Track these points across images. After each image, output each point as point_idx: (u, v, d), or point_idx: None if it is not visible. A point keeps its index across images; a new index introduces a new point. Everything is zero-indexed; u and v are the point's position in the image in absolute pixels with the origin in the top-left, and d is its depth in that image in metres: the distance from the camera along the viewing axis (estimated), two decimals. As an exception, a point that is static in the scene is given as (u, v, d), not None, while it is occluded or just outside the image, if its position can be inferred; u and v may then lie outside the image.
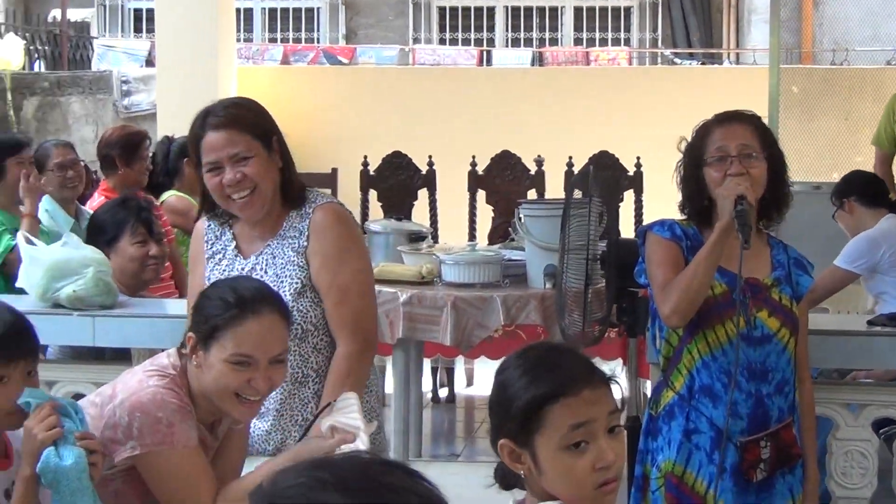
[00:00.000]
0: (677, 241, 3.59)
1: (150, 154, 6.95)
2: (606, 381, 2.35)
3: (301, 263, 3.44)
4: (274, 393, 3.28)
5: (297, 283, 3.42)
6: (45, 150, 6.12)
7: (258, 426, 3.43)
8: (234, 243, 3.53)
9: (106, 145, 6.38)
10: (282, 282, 3.40)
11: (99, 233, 4.93)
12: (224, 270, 3.49)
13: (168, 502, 2.95)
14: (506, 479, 2.42)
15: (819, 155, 8.27)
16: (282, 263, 3.44)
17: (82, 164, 6.24)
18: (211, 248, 3.56)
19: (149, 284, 5.07)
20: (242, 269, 3.47)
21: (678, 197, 3.71)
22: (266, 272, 3.43)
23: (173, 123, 8.76)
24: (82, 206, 6.02)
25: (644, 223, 4.32)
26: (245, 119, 3.43)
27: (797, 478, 3.61)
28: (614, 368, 6.23)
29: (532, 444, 2.29)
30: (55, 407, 2.77)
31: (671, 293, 3.46)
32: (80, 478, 2.73)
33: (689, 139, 3.67)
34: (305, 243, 3.45)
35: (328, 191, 3.56)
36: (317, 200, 3.52)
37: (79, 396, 4.26)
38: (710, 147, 3.56)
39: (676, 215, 3.72)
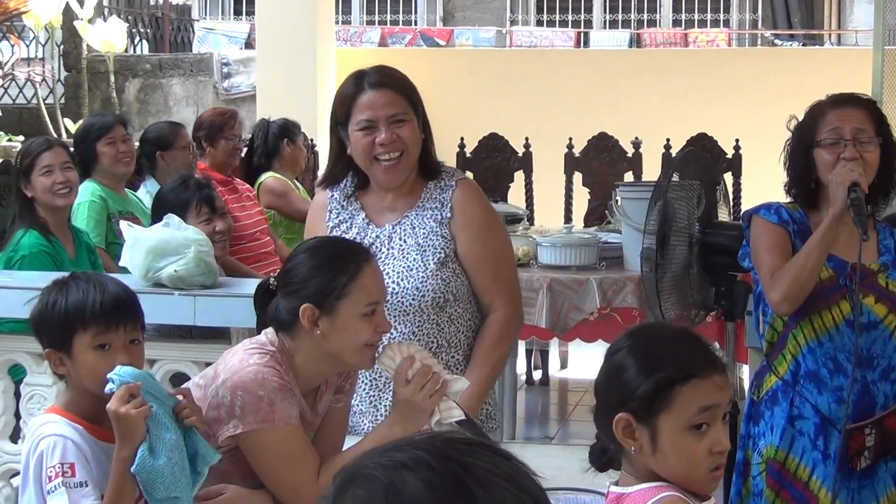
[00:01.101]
0: (784, 225, 3.55)
1: (249, 135, 7.05)
2: (725, 368, 2.43)
3: (445, 234, 3.45)
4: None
5: (440, 252, 3.43)
6: (176, 128, 6.29)
7: (383, 398, 3.42)
8: (363, 213, 3.53)
9: (196, 128, 6.51)
10: (424, 251, 3.42)
11: (163, 214, 4.99)
12: (354, 239, 3.46)
13: (270, 480, 2.96)
14: (602, 458, 2.47)
15: (923, 138, 8.11)
16: (423, 234, 3.45)
17: (192, 145, 6.39)
18: (336, 217, 3.55)
19: (219, 261, 5.11)
20: (377, 237, 3.47)
21: (779, 179, 3.67)
22: (405, 241, 3.44)
23: (272, 105, 8.87)
24: None
25: (742, 206, 4.28)
26: (404, 83, 3.49)
27: None
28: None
29: (654, 422, 2.34)
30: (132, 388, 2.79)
31: (781, 280, 3.42)
32: (173, 472, 2.78)
33: (800, 119, 3.62)
34: (449, 215, 3.47)
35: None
36: (454, 174, 3.57)
37: (179, 375, 4.34)
38: (822, 129, 3.52)
39: (774, 198, 3.68)
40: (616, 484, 2.46)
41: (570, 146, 7.69)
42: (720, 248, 4.02)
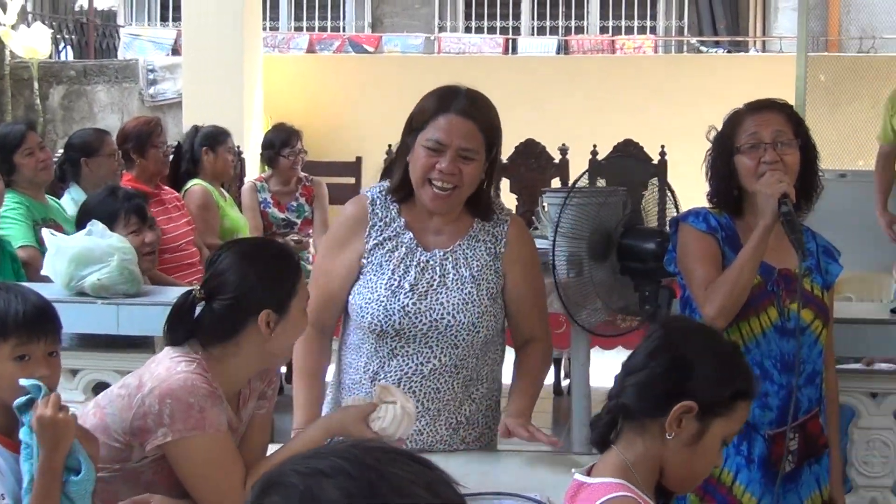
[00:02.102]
0: (713, 233, 3.54)
1: (176, 142, 7.02)
2: None
3: (497, 269, 3.41)
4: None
5: (493, 287, 3.39)
6: (101, 134, 6.23)
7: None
8: (409, 233, 3.41)
9: (122, 140, 6.44)
10: (479, 284, 3.37)
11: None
12: (402, 260, 3.38)
13: (198, 488, 2.93)
14: (609, 434, 2.59)
15: (845, 143, 8.24)
16: (478, 266, 3.39)
17: (118, 153, 6.33)
18: (380, 233, 3.41)
19: (146, 273, 5.07)
20: (427, 261, 3.38)
21: (705, 186, 3.69)
22: (458, 271, 3.37)
23: (199, 112, 8.81)
24: None
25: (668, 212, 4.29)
26: (490, 121, 3.37)
27: (824, 467, 3.59)
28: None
29: (710, 422, 2.51)
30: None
31: (715, 295, 3.41)
32: (87, 489, 2.75)
33: (719, 128, 3.63)
34: (503, 250, 3.43)
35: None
36: (503, 208, 3.53)
37: (102, 384, 4.29)
38: (742, 135, 3.52)
39: (700, 203, 3.70)
40: (587, 473, 2.55)
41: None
42: (642, 254, 4.03)
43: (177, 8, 12.95)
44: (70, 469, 2.73)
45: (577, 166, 7.46)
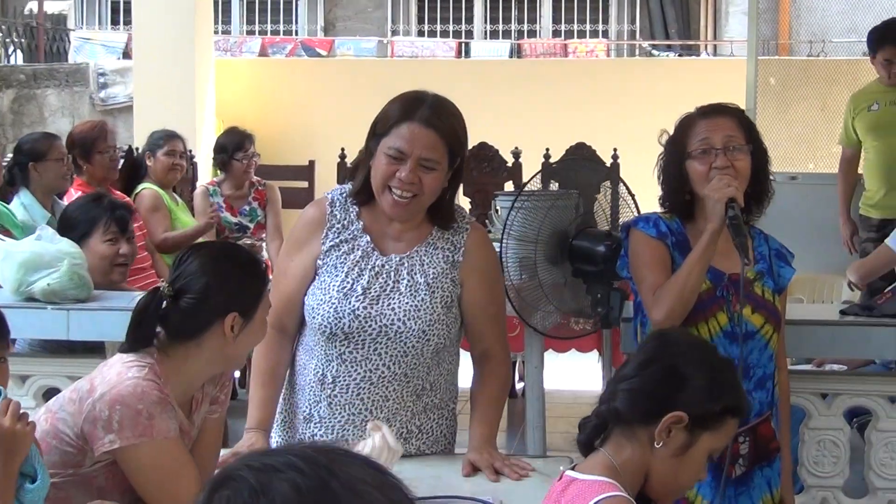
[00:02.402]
0: (662, 238, 3.54)
1: (126, 146, 7.00)
2: None
3: (454, 277, 3.37)
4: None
5: (448, 296, 3.35)
6: (50, 139, 6.19)
7: (361, 436, 3.29)
8: (367, 236, 3.38)
9: (69, 146, 6.40)
10: (433, 291, 3.33)
11: (70, 228, 4.90)
12: (357, 263, 3.35)
13: (150, 495, 2.91)
14: (597, 437, 2.64)
15: (795, 146, 8.30)
16: (433, 274, 3.35)
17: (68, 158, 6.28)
18: (337, 235, 3.38)
19: (115, 286, 5.03)
20: (382, 266, 3.35)
21: (657, 190, 3.68)
22: (413, 277, 3.33)
23: (150, 116, 8.78)
24: (60, 201, 6.02)
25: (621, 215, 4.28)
26: (453, 131, 3.31)
27: (775, 470, 3.59)
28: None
29: (698, 434, 2.58)
30: None
31: (663, 299, 3.41)
32: (41, 496, 2.72)
33: (671, 132, 3.62)
34: (461, 259, 3.38)
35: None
36: (465, 216, 3.48)
37: (53, 390, 4.26)
38: (693, 140, 3.51)
39: (653, 207, 3.70)
40: (574, 469, 2.59)
41: (450, 156, 7.71)
42: (593, 256, 4.03)
43: (127, 12, 12.88)
44: (26, 475, 2.71)
45: (531, 169, 7.47)
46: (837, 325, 4.41)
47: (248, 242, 7.18)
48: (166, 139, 7.07)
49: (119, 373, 2.90)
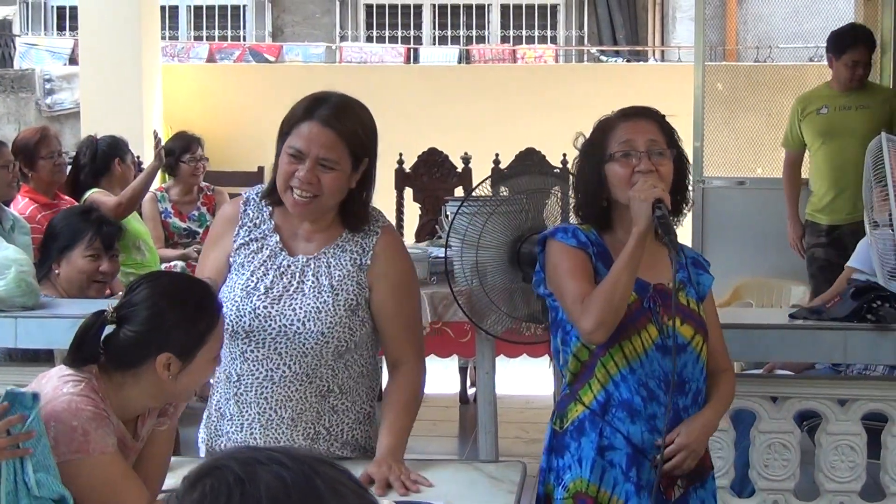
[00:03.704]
0: (584, 248, 3.36)
1: (74, 152, 6.93)
2: None
3: (360, 280, 3.33)
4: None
5: (353, 299, 3.31)
6: None
7: (268, 434, 3.34)
8: (277, 235, 3.38)
9: (14, 153, 6.34)
10: (336, 294, 3.30)
11: (53, 239, 4.88)
12: (264, 262, 3.35)
13: None
14: None
15: (742, 151, 8.35)
16: (339, 276, 3.32)
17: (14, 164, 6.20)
18: (248, 234, 3.39)
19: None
20: (288, 266, 3.34)
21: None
22: (318, 279, 3.31)
23: (97, 122, 8.71)
24: (6, 208, 5.95)
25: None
26: (353, 132, 3.27)
27: (709, 491, 3.47)
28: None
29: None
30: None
31: (592, 307, 3.21)
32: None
33: (587, 135, 3.48)
34: (369, 262, 3.35)
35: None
36: (379, 219, 3.43)
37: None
38: (613, 143, 3.36)
39: None
40: None
41: (400, 161, 7.71)
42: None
43: (73, 17, 12.78)
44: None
45: (480, 175, 7.48)
46: (787, 328, 4.45)
47: (198, 248, 7.14)
48: (128, 146, 7.04)
49: (55, 387, 2.86)
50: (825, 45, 7.21)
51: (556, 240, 3.38)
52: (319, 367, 3.30)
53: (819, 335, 4.41)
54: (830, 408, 4.44)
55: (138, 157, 7.94)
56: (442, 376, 7.81)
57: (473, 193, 6.15)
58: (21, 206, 6.14)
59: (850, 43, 7.06)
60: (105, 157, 6.85)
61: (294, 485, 1.42)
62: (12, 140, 6.74)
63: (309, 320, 3.27)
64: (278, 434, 3.34)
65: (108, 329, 2.92)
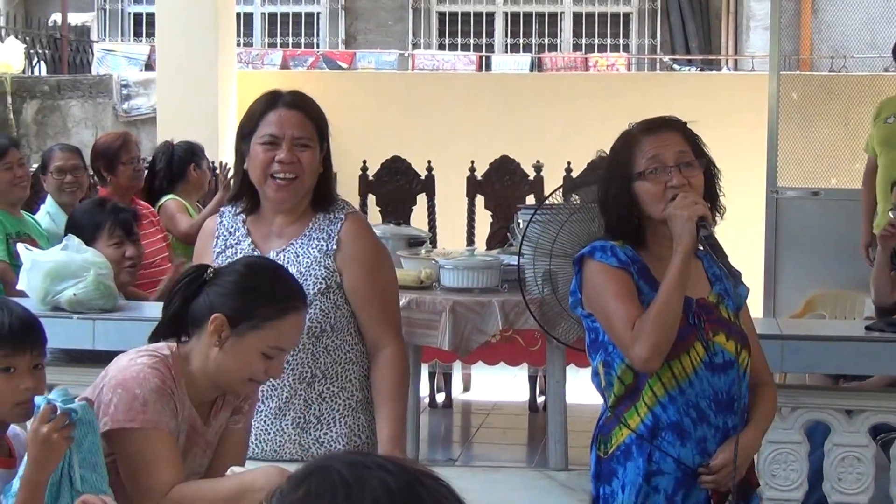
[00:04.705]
0: (625, 267, 3.23)
1: (150, 157, 7.01)
2: None
3: (328, 265, 3.46)
4: (275, 391, 3.42)
5: (321, 283, 3.45)
6: (50, 151, 6.21)
7: (257, 426, 3.44)
8: (249, 238, 3.54)
9: (92, 158, 6.44)
10: (305, 280, 3.40)
11: (75, 234, 4.94)
12: None
13: (128, 482, 2.89)
14: None
15: (817, 161, 8.28)
16: (307, 263, 3.46)
17: (85, 170, 6.29)
18: (224, 242, 3.56)
19: (126, 287, 5.07)
20: None
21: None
22: (288, 267, 3.37)
23: (173, 127, 8.80)
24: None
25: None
26: (316, 111, 3.52)
27: None
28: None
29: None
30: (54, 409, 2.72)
31: (645, 333, 3.10)
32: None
33: (610, 152, 3.39)
34: (335, 247, 3.48)
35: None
36: (345, 207, 3.58)
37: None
38: (640, 159, 3.23)
39: None
40: None
41: (472, 169, 7.73)
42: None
43: (150, 24, 12.95)
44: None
45: (552, 183, 7.49)
46: (863, 340, 4.41)
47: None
48: (203, 152, 7.09)
49: (130, 358, 2.95)
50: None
51: (596, 260, 3.26)
52: (298, 352, 3.41)
53: (896, 348, 4.37)
54: (905, 422, 4.40)
55: (213, 163, 8.02)
56: (511, 385, 7.82)
57: (546, 202, 6.16)
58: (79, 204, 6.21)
59: None
60: (181, 162, 6.91)
61: (398, 492, 1.43)
62: (92, 144, 6.84)
63: None
64: (267, 425, 3.46)
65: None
